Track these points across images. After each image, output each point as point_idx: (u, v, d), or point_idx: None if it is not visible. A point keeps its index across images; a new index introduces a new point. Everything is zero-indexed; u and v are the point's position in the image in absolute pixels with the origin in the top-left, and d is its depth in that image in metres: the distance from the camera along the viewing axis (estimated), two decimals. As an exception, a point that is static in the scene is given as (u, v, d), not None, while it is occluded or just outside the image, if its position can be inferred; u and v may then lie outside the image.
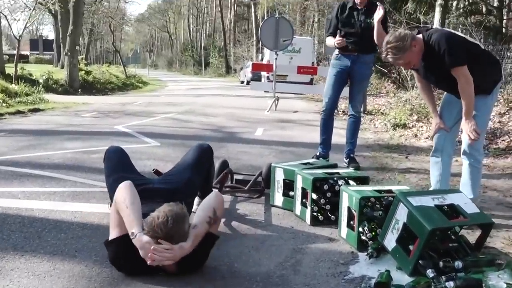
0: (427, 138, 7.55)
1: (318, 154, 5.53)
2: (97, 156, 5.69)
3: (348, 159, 5.47)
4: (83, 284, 2.46)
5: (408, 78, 12.32)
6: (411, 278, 2.54)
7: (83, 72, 21.47)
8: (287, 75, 16.88)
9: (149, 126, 8.70)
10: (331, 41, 5.41)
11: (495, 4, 14.60)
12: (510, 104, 9.28)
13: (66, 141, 6.85)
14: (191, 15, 76.29)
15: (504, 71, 11.56)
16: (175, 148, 6.43)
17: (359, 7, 5.26)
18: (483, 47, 3.74)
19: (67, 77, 19.17)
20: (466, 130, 3.48)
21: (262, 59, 26.96)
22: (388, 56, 3.44)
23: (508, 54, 13.31)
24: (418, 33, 3.54)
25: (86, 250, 2.89)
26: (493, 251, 3.05)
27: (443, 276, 2.43)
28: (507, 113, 8.84)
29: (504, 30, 14.47)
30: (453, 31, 4.00)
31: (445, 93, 3.86)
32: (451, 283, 2.37)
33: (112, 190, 2.97)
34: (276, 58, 12.48)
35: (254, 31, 48.37)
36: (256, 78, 24.94)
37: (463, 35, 3.82)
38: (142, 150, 6.16)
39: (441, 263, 2.55)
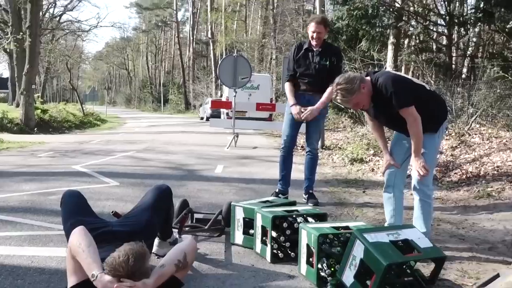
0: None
1: (277, 190, 5.60)
2: (55, 198, 5.60)
3: (307, 195, 5.54)
4: (41, 331, 2.42)
5: (365, 114, 12.67)
6: (369, 313, 2.60)
7: (40, 110, 21.14)
8: (246, 111, 17.07)
9: (107, 165, 8.61)
10: (288, 91, 5.51)
11: (444, 42, 15.25)
12: (461, 138, 9.63)
13: (22, 182, 6.72)
14: (150, 53, 76.57)
15: (455, 106, 12.03)
16: (135, 187, 6.40)
17: (315, 49, 5.41)
18: (428, 88, 3.93)
19: (23, 116, 18.83)
20: (415, 167, 3.63)
21: (221, 96, 27.21)
22: (338, 98, 3.60)
23: (458, 89, 13.85)
24: (367, 75, 3.71)
25: (44, 296, 2.85)
26: (447, 283, 3.15)
27: (399, 310, 2.51)
28: (458, 146, 9.16)
29: (453, 66, 15.10)
30: (398, 73, 4.23)
31: (395, 131, 4.02)
32: (407, 317, 2.45)
33: (69, 235, 2.96)
34: (235, 96, 12.63)
35: (213, 68, 48.77)
36: (216, 114, 25.09)
37: (409, 77, 4.03)
38: (101, 191, 6.10)
39: (397, 298, 2.63)
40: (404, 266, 2.90)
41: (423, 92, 3.77)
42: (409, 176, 4.00)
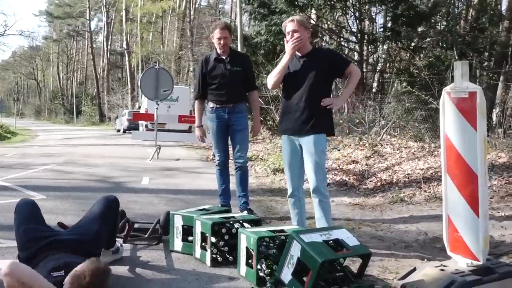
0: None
1: (219, 205, 5.43)
2: (-19, 212, 5.51)
3: (245, 212, 5.28)
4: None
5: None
6: (307, 306, 2.88)
7: None
8: (165, 123, 17.11)
9: (29, 179, 8.43)
10: (197, 111, 5.68)
11: (356, 58, 16.12)
12: (374, 148, 10.29)
13: None
14: (61, 63, 74.04)
15: (367, 118, 12.81)
16: (63, 200, 6.37)
17: (224, 57, 5.36)
18: None
19: None
20: (328, 100, 4.18)
21: (139, 108, 26.93)
22: (295, 17, 4.28)
23: (370, 102, 14.72)
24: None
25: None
26: (371, 278, 3.51)
27: (333, 302, 2.82)
28: (372, 156, 9.79)
29: (365, 81, 16.00)
30: None
31: (286, 144, 4.40)
32: (341, 307, 2.77)
33: (21, 241, 3.06)
34: (157, 108, 12.69)
35: (128, 79, 48.12)
36: (133, 126, 24.83)
37: None
38: None
39: (331, 291, 2.94)
40: (335, 263, 3.22)
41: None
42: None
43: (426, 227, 5.01)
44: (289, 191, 4.43)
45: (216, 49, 5.41)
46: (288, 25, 4.23)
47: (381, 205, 6.31)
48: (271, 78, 4.35)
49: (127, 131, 28.83)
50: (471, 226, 3.33)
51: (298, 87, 4.20)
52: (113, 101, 48.39)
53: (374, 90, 16.52)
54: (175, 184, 8.27)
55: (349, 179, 8.21)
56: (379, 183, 7.60)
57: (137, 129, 23.04)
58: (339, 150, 10.97)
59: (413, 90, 12.45)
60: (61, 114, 63.29)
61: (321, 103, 4.14)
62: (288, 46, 4.19)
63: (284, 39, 4.32)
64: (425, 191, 6.53)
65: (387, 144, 10.47)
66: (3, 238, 4.48)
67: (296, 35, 4.15)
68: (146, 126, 19.78)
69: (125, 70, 52.88)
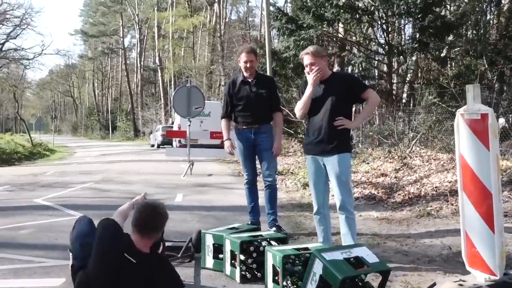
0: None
1: (249, 222, 5.63)
2: (26, 232, 5.88)
3: (273, 228, 5.53)
4: None
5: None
6: (329, 320, 3.07)
7: (-13, 142, 20.92)
8: (197, 139, 17.50)
9: (69, 198, 8.83)
10: (223, 127, 5.91)
11: (385, 69, 16.20)
12: (403, 161, 10.36)
13: (-13, 218, 6.89)
14: (96, 79, 75.89)
15: (397, 130, 12.87)
16: (101, 218, 6.68)
17: (250, 80, 5.60)
18: None
19: (-29, 149, 18.65)
20: (341, 122, 4.36)
21: (172, 123, 27.48)
22: (310, 49, 4.43)
23: (399, 113, 14.76)
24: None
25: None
26: (393, 293, 3.68)
27: (354, 317, 3.01)
28: (401, 168, 9.88)
29: (394, 92, 16.06)
30: None
31: (311, 164, 4.62)
32: (361, 322, 2.95)
33: (76, 255, 3.43)
34: (189, 125, 13.05)
35: (161, 94, 49.06)
36: (167, 141, 25.31)
37: None
38: (69, 223, 6.27)
39: (352, 306, 3.13)
40: (356, 280, 3.41)
41: None
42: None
43: (451, 241, 5.12)
44: (315, 209, 4.64)
45: (242, 72, 5.67)
46: (305, 58, 4.46)
47: (408, 219, 6.43)
48: (298, 110, 4.64)
49: (161, 146, 29.44)
50: (487, 241, 3.47)
51: (319, 110, 4.43)
52: (147, 116, 49.36)
53: (403, 101, 16.55)
54: (207, 200, 8.54)
55: (378, 193, 8.33)
56: (407, 197, 7.70)
57: (171, 144, 23.52)
58: (368, 163, 11.09)
59: (440, 102, 12.46)
60: (97, 130, 64.75)
61: (334, 123, 4.35)
62: (310, 78, 4.42)
63: (305, 70, 4.54)
64: (452, 204, 6.61)
65: (416, 156, 10.53)
66: (46, 257, 4.77)
67: (315, 67, 4.37)
68: (180, 141, 20.18)
69: (158, 86, 53.97)
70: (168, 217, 3.23)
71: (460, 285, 3.50)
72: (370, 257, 3.42)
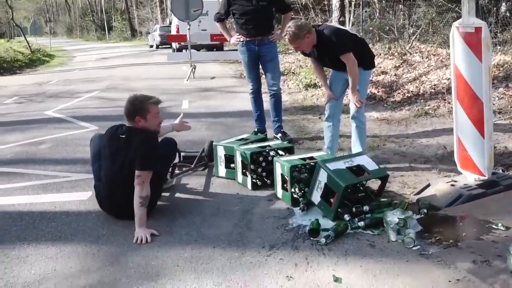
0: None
1: (256, 129, 6.02)
2: (45, 147, 6.22)
3: (279, 134, 5.88)
4: (90, 259, 3.17)
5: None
6: (334, 222, 3.45)
7: (-14, 52, 20.84)
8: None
9: (79, 109, 9.11)
10: (223, 30, 6.07)
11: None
12: (403, 57, 10.50)
13: (5, 133, 7.21)
14: (87, -22, 73.32)
15: (397, 24, 12.82)
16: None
17: None
18: (359, 36, 4.99)
19: (-28, 59, 18.65)
20: (352, 100, 4.55)
21: (170, 23, 27.10)
22: (286, 37, 4.48)
23: (400, 6, 14.59)
24: (313, 27, 4.49)
25: (79, 233, 3.57)
26: (391, 194, 4.05)
27: (356, 218, 3.39)
28: (401, 65, 10.05)
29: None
30: (338, 25, 5.07)
31: (332, 70, 4.91)
32: (362, 223, 3.35)
33: (96, 174, 3.90)
34: (189, 28, 13.02)
35: (156, -9, 47.69)
36: (165, 41, 25.11)
37: (344, 28, 4.89)
38: (85, 136, 6.58)
39: (354, 209, 3.50)
40: (358, 185, 3.76)
41: (357, 39, 4.70)
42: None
43: (446, 141, 5.44)
44: (326, 116, 4.92)
45: None
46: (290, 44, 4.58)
47: (407, 119, 6.73)
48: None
49: (159, 47, 29.23)
50: (477, 146, 3.80)
51: (325, 61, 4.76)
52: (142, 15, 48.33)
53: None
54: (214, 106, 8.80)
55: (378, 92, 8.57)
56: (406, 96, 7.96)
57: (170, 44, 23.38)
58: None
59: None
60: (92, 31, 63.59)
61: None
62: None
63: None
64: (449, 103, 6.87)
65: (416, 52, 10.65)
66: (70, 172, 5.13)
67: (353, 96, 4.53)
68: (179, 43, 20.09)
69: (152, -18, 52.20)
70: (137, 106, 3.77)
71: (452, 185, 3.87)
72: (370, 164, 3.75)
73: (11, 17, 35.61)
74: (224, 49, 20.67)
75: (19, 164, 5.50)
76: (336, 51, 4.42)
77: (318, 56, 4.67)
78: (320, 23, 5.37)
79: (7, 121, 8.33)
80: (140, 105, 3.77)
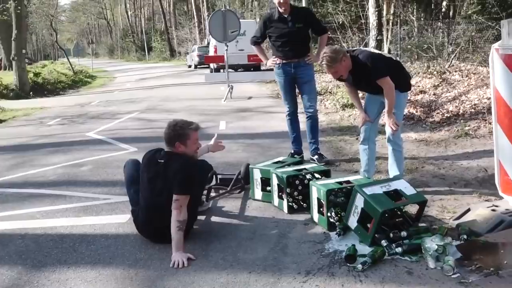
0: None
1: (292, 151, 6.05)
2: (86, 169, 6.36)
3: (315, 156, 5.88)
4: (128, 283, 3.21)
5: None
6: (371, 248, 3.41)
7: (32, 74, 21.54)
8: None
9: (119, 130, 9.31)
10: (259, 52, 6.17)
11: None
12: (442, 76, 10.35)
13: (48, 155, 7.42)
14: (128, 0, 75.26)
15: (435, 42, 12.66)
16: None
17: (285, 16, 5.69)
18: (394, 59, 4.90)
19: (17, 81, 19.33)
20: (388, 124, 4.51)
21: (208, 44, 27.49)
22: (323, 63, 4.40)
23: (439, 24, 14.42)
24: (347, 52, 4.46)
25: (118, 256, 3.63)
26: (430, 219, 3.98)
27: (393, 244, 3.34)
28: (440, 84, 9.91)
29: (433, 5, 15.58)
30: (372, 49, 5.05)
31: (367, 93, 4.88)
32: (399, 249, 3.29)
33: (133, 200, 3.97)
34: (226, 49, 13.19)
35: (194, 12, 48.55)
36: (203, 61, 25.48)
37: (378, 51, 4.87)
38: (124, 158, 6.66)
39: (391, 234, 3.45)
40: (395, 209, 3.71)
41: (392, 62, 4.67)
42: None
43: (487, 163, 5.32)
44: (361, 139, 4.90)
45: (277, 8, 5.75)
46: (326, 70, 4.57)
47: (446, 140, 6.62)
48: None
49: (198, 67, 29.67)
50: (519, 170, 3.69)
51: (361, 85, 4.75)
52: (181, 36, 49.25)
53: (443, 9, 16.10)
54: (251, 127, 8.85)
55: (417, 112, 8.47)
56: (445, 116, 7.83)
57: (208, 64, 23.71)
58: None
59: (481, 11, 12.11)
60: (133, 52, 65.10)
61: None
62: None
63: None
64: (490, 123, 6.73)
65: (455, 71, 10.50)
66: (110, 194, 5.22)
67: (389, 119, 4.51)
68: (217, 64, 20.33)
69: (190, 3, 53.18)
70: (178, 132, 3.80)
71: (493, 210, 3.77)
72: (408, 189, 3.70)
73: (55, 39, 36.70)
74: (261, 69, 20.83)
75: (61, 186, 5.63)
76: (372, 76, 4.39)
77: (354, 81, 4.65)
78: (354, 48, 5.34)
79: (51, 142, 8.57)
80: (180, 131, 3.81)
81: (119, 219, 4.41)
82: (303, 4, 10.28)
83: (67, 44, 78.38)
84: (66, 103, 15.68)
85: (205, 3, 44.89)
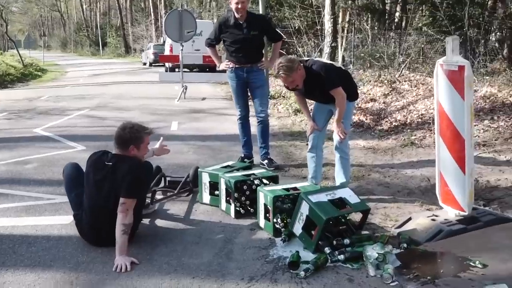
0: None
1: (243, 155, 6.08)
2: (31, 167, 6.19)
3: (265, 161, 5.94)
4: (68, 287, 3.15)
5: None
6: (314, 255, 3.46)
7: (-22, 65, 20.82)
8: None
9: (67, 127, 9.09)
10: (213, 55, 6.21)
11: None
12: (392, 85, 10.61)
13: (-8, 150, 7.17)
14: (83, -7, 73.62)
15: (387, 52, 12.97)
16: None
17: (241, 22, 5.69)
18: (344, 69, 5.07)
19: (-36, 72, 18.63)
20: (337, 132, 4.62)
21: (163, 42, 27.23)
22: (280, 73, 4.42)
23: (391, 34, 14.76)
24: (301, 62, 4.53)
25: (59, 259, 3.55)
26: (373, 226, 4.07)
27: (336, 251, 3.40)
28: (390, 93, 10.15)
29: (385, 12, 15.95)
30: (324, 60, 5.18)
31: (315, 102, 4.96)
32: (342, 256, 3.36)
33: (73, 204, 3.92)
34: (181, 49, 13.10)
35: (151, 9, 47.96)
36: (158, 60, 25.23)
37: (330, 62, 4.98)
38: (71, 156, 6.56)
39: (334, 242, 3.52)
40: (340, 217, 3.78)
41: (342, 72, 4.80)
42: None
43: (430, 172, 5.47)
44: (309, 147, 4.96)
45: (234, 13, 5.73)
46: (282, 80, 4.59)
47: (393, 149, 6.79)
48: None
49: (153, 65, 29.36)
50: (458, 182, 3.84)
51: (315, 94, 4.78)
52: (137, 32, 48.48)
53: (396, 20, 16.48)
54: (203, 128, 8.82)
55: (366, 119, 8.65)
56: (393, 124, 8.03)
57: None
58: (359, 87, 11.30)
59: (432, 24, 12.49)
60: (87, 46, 63.69)
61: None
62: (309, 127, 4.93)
63: None
64: (435, 133, 6.94)
65: (405, 81, 10.77)
66: (54, 194, 5.08)
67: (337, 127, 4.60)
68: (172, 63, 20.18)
69: (148, 0, 52.51)
70: (135, 135, 3.76)
71: (433, 220, 3.90)
72: (352, 197, 3.78)
73: (5, 30, 35.56)
74: (217, 70, 20.76)
75: (3, 184, 5.45)
76: (327, 87, 4.48)
77: (306, 90, 4.70)
78: (306, 58, 5.41)
79: (-5, 137, 8.30)
80: (137, 134, 3.77)
81: (62, 220, 4.32)
82: (260, 8, 10.29)
83: (18, 35, 76.04)
84: (13, 97, 15.23)
85: (162, 1, 44.43)
